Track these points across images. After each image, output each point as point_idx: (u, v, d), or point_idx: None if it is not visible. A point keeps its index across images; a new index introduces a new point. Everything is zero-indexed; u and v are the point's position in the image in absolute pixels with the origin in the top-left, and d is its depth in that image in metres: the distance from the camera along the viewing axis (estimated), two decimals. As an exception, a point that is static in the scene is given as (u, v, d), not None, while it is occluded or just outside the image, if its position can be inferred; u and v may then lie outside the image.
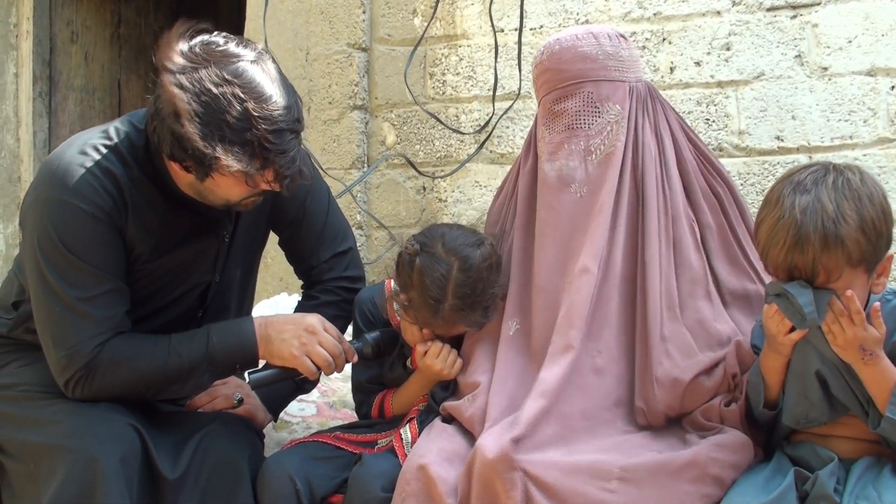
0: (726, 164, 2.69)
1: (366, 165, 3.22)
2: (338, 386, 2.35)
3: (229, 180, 1.73)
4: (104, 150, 1.83)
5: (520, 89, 2.96)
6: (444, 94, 3.13)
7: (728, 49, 2.74)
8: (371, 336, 1.97)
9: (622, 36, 1.92)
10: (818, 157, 2.63)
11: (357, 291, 2.14)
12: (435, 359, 1.89)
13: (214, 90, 1.67)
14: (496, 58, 2.99)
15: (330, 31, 3.26)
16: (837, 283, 1.52)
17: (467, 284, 1.82)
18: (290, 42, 3.31)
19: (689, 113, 2.77)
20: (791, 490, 1.50)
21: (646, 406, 1.73)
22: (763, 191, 2.69)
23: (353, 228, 3.17)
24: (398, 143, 3.20)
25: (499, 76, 3.00)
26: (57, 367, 1.80)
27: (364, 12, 3.23)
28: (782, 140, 2.68)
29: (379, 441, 1.93)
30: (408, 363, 1.99)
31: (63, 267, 1.77)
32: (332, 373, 1.91)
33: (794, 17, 2.67)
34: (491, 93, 3.01)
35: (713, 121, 2.76)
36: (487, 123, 3.02)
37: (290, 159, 1.72)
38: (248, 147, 1.68)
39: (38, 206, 1.80)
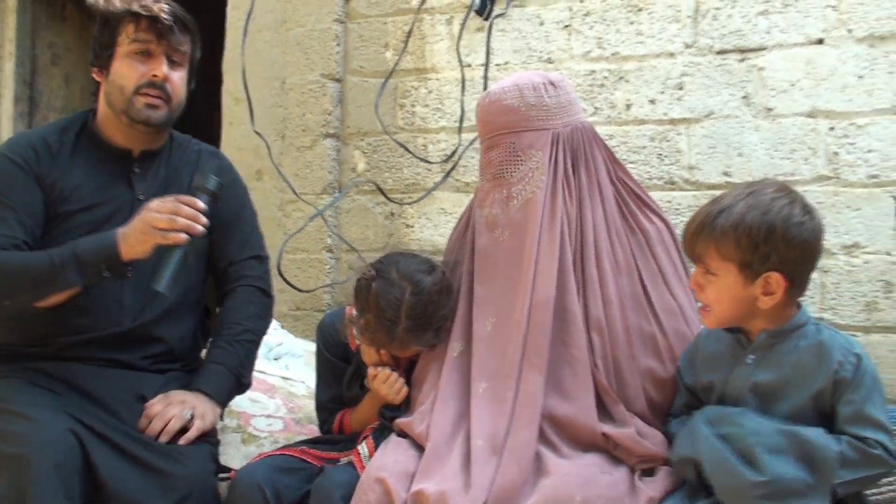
0: (677, 196, 2.87)
1: (337, 191, 3.34)
2: (304, 403, 2.46)
3: (122, 65, 2.13)
4: (48, 126, 2.28)
5: (485, 122, 3.10)
6: (413, 124, 3.27)
7: (680, 89, 2.90)
8: (207, 180, 2.06)
9: (551, 83, 1.99)
10: (763, 192, 2.79)
11: (269, 297, 2.33)
12: (382, 384, 2.01)
13: None
14: (463, 91, 3.13)
15: (305, 62, 3.39)
16: (708, 264, 1.68)
17: (419, 307, 1.94)
18: (267, 72, 3.43)
19: (643, 147, 2.93)
20: None
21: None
22: (711, 223, 2.85)
23: (324, 251, 3.32)
24: (368, 171, 3.32)
25: (465, 109, 3.13)
26: None
27: (338, 45, 3.36)
28: (729, 175, 2.83)
29: (341, 459, 2.03)
30: (365, 382, 2.09)
31: None
32: (189, 227, 1.97)
33: (742, 60, 2.82)
34: (458, 124, 3.14)
35: (665, 156, 2.91)
36: (454, 154, 3.15)
37: (157, 6, 2.15)
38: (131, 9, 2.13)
39: None
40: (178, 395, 2.10)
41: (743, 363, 1.73)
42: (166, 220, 1.95)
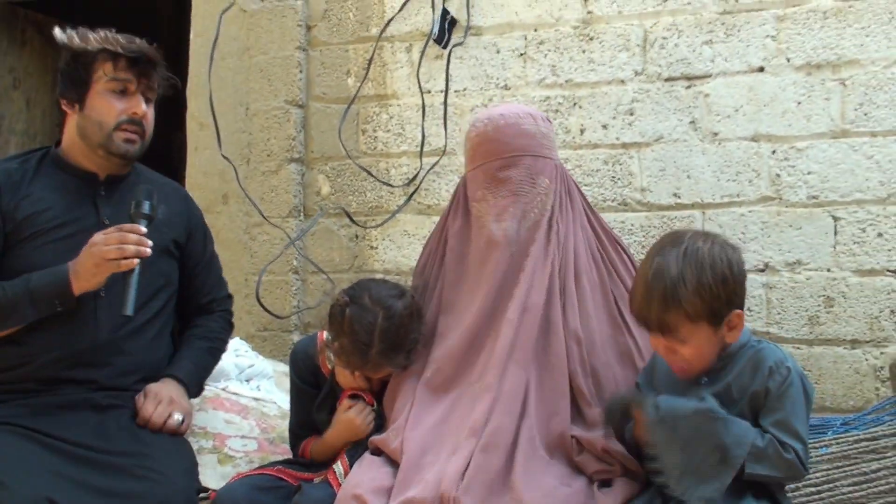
0: (630, 217, 3.01)
1: (302, 214, 3.43)
2: (276, 423, 2.55)
3: (100, 101, 2.20)
4: (4, 159, 2.35)
5: (445, 146, 3.21)
6: (375, 149, 3.37)
7: (631, 114, 3.03)
8: (142, 206, 2.15)
9: (548, 119, 2.16)
10: (710, 212, 2.93)
11: (231, 325, 2.52)
12: (357, 414, 2.12)
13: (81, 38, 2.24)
14: (423, 117, 3.24)
15: (269, 89, 3.47)
16: (680, 334, 1.79)
17: (391, 330, 2.04)
18: (232, 98, 3.51)
19: (597, 171, 3.06)
20: None
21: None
22: (662, 242, 2.99)
23: (290, 273, 3.41)
24: (332, 194, 3.41)
25: (426, 133, 3.25)
26: None
27: (301, 72, 3.45)
28: (679, 197, 2.97)
29: (315, 479, 2.11)
30: (336, 405, 2.18)
31: None
32: (138, 252, 2.07)
33: (689, 87, 2.97)
34: (419, 149, 3.25)
35: (618, 178, 3.04)
36: (416, 177, 3.25)
37: (136, 46, 2.22)
38: (108, 48, 2.20)
39: None
40: (165, 391, 2.22)
41: (697, 384, 1.85)
42: (115, 249, 2.05)
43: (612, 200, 3.04)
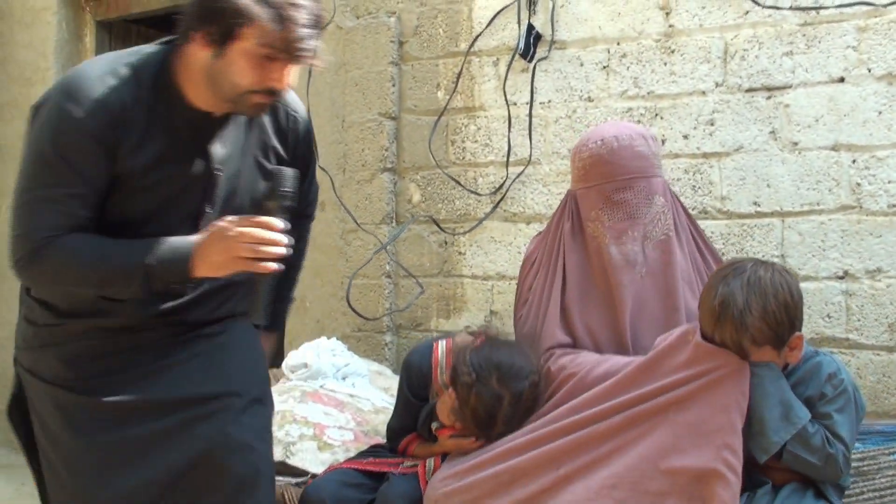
0: (709, 225, 3.09)
1: (394, 221, 3.62)
2: (370, 417, 2.73)
3: (244, 60, 1.83)
4: (122, 71, 1.90)
5: (530, 156, 3.35)
6: (463, 159, 3.53)
7: (712, 125, 3.11)
8: (284, 198, 1.93)
9: (655, 137, 2.26)
10: (790, 220, 2.98)
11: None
12: (455, 447, 2.19)
13: None
14: (510, 128, 3.39)
15: (363, 102, 3.67)
16: (752, 356, 1.92)
17: (516, 416, 2.10)
18: (328, 111, 3.71)
19: (678, 180, 3.15)
20: None
21: None
22: (742, 250, 3.06)
23: (383, 277, 3.59)
24: (423, 202, 3.58)
25: (512, 144, 3.39)
26: (10, 245, 1.92)
27: (394, 85, 3.64)
28: (759, 205, 3.03)
29: (405, 462, 2.27)
30: (433, 427, 2.28)
31: (43, 163, 1.88)
32: (279, 255, 1.86)
33: (769, 97, 3.03)
34: (505, 159, 3.40)
35: (699, 187, 3.13)
36: (502, 186, 3.40)
37: (309, 36, 1.83)
38: (276, 12, 1.81)
39: (45, 108, 1.91)
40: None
41: None
42: (250, 249, 1.83)
43: (693, 209, 3.12)
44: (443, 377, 2.24)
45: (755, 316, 1.90)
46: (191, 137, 1.98)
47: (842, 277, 2.92)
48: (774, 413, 1.89)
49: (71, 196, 1.88)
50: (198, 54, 1.89)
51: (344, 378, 2.90)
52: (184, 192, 1.99)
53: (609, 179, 2.18)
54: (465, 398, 2.11)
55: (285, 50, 1.82)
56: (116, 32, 4.72)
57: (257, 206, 1.96)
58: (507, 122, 3.39)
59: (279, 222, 1.86)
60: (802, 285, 2.88)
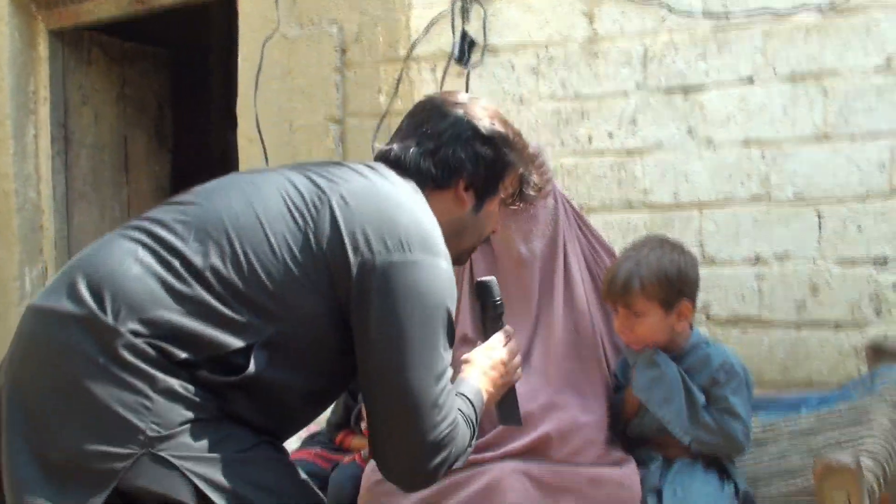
0: (634, 217, 3.33)
1: (342, 220, 3.81)
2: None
3: (495, 208, 1.84)
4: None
5: (468, 155, 3.56)
6: (406, 159, 3.73)
7: (634, 123, 3.33)
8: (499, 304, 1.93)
9: (540, 147, 2.49)
10: (707, 211, 3.23)
11: None
12: None
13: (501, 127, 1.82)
14: (448, 130, 3.59)
15: (309, 107, 3.85)
16: (636, 308, 2.16)
17: None
18: (276, 115, 3.89)
19: (604, 176, 3.38)
20: None
21: None
22: (664, 239, 3.31)
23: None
24: (369, 201, 3.78)
25: (450, 145, 3.60)
26: (422, 451, 1.56)
27: (338, 91, 3.82)
28: (678, 197, 3.25)
29: (345, 460, 2.48)
30: (362, 427, 2.40)
31: (441, 333, 1.59)
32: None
33: (686, 98, 3.26)
34: (444, 158, 3.61)
35: (624, 182, 3.35)
36: (442, 184, 3.61)
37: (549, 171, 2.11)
38: (524, 155, 1.87)
39: (434, 270, 1.60)
40: None
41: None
42: (512, 368, 1.84)
43: (619, 202, 3.36)
44: None
45: (647, 272, 2.14)
46: None
47: (754, 262, 3.17)
48: (682, 415, 2.11)
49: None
50: (454, 204, 1.78)
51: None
52: None
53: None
54: None
55: (541, 191, 1.88)
56: (68, 40, 4.85)
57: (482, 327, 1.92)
58: (445, 124, 3.59)
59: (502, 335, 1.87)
60: (719, 270, 3.19)
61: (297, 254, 1.56)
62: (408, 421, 1.53)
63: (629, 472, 2.14)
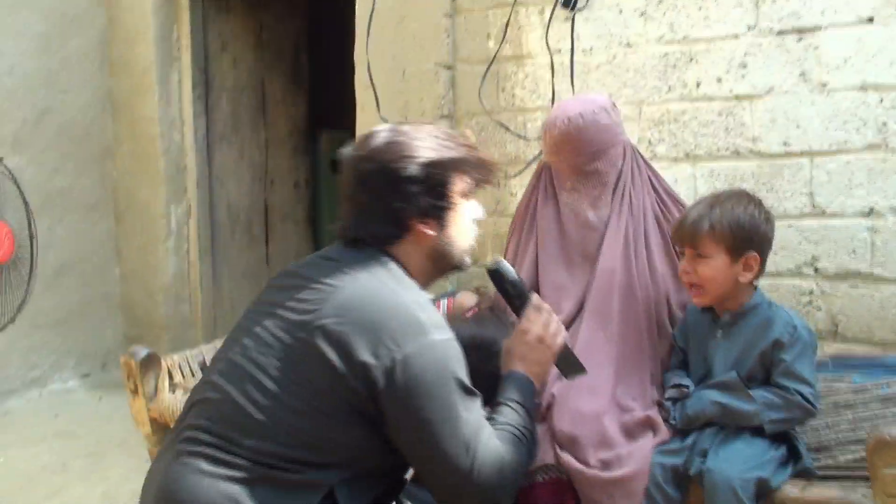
0: (741, 166, 3.22)
1: (451, 165, 3.87)
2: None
3: (465, 212, 1.92)
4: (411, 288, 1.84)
5: (574, 101, 3.52)
6: (513, 105, 3.73)
7: (744, 67, 3.20)
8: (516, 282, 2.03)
9: (614, 105, 2.44)
10: (818, 160, 3.08)
11: None
12: None
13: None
14: (553, 74, 3.56)
15: (421, 53, 3.90)
16: (703, 249, 2.12)
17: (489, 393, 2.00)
18: (390, 63, 3.96)
19: (712, 122, 3.27)
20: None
21: None
22: (772, 189, 3.18)
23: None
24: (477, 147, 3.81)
25: (556, 90, 3.57)
26: (475, 495, 1.73)
27: (448, 37, 3.85)
28: (789, 145, 3.13)
29: None
30: None
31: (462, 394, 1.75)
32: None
33: (800, 40, 3.09)
34: (550, 104, 3.59)
35: (731, 129, 3.24)
36: (548, 130, 3.59)
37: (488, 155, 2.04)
38: (462, 157, 1.92)
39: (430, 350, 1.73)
40: None
41: (715, 337, 2.17)
42: (552, 338, 1.96)
43: (726, 150, 3.25)
44: None
45: (719, 215, 2.10)
46: None
47: (867, 214, 3.01)
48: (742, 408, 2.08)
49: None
50: (421, 239, 1.87)
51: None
52: None
53: (580, 154, 2.37)
54: None
55: (490, 180, 1.96)
56: (210, -10, 5.06)
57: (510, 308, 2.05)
58: (550, 69, 3.56)
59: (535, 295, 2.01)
60: (829, 222, 3.06)
61: (322, 402, 1.72)
62: (453, 484, 1.72)
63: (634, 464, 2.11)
